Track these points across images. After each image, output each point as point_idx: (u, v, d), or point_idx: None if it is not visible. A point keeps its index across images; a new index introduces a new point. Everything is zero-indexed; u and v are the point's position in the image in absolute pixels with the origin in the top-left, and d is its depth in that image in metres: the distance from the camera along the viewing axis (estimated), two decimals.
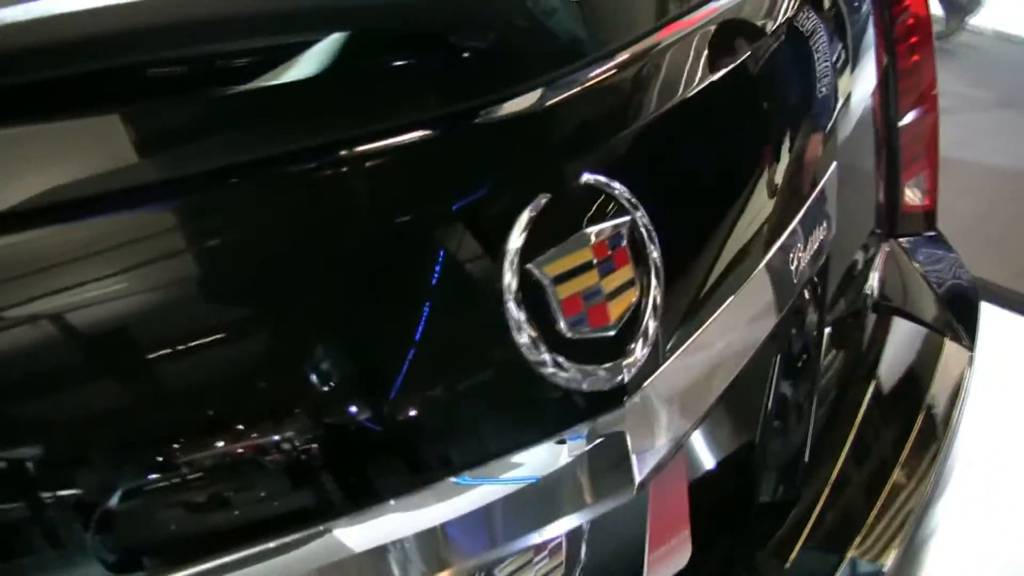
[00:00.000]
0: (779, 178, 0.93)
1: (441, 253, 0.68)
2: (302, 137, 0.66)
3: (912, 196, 1.43)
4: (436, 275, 0.68)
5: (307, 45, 0.69)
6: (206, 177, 0.63)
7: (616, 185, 0.74)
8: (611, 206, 0.74)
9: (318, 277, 0.66)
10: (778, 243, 0.92)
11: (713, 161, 0.86)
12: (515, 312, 0.69)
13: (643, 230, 0.75)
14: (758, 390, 1.04)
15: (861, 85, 1.27)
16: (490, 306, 0.68)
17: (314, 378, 0.65)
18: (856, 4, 1.21)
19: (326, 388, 0.65)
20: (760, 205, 0.90)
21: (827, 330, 1.20)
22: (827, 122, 1.05)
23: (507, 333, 0.69)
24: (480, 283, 0.69)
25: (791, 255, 0.95)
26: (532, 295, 0.69)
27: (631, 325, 0.75)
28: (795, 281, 0.96)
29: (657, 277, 0.76)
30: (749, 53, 0.89)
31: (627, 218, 0.74)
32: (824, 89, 1.04)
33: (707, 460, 1.04)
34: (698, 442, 1.01)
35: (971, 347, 1.35)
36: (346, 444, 0.66)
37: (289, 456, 0.63)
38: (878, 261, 1.37)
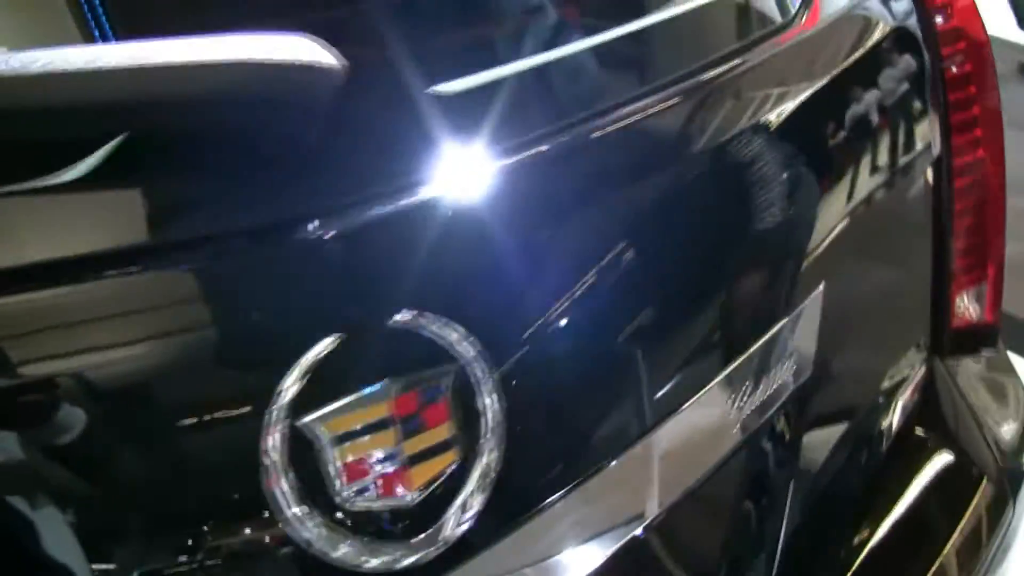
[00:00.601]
0: (712, 310, 0.78)
1: (193, 400, 0.57)
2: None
3: (966, 310, 1.22)
4: (184, 427, 0.57)
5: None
6: None
7: (439, 324, 0.61)
8: (429, 349, 0.61)
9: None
10: (693, 400, 0.75)
11: (592, 290, 0.70)
12: (277, 478, 0.57)
13: (478, 379, 0.62)
14: (690, 545, 0.88)
15: (899, 183, 1.09)
16: (249, 471, 0.57)
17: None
18: (887, 81, 1.03)
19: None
20: (673, 352, 0.75)
21: (822, 467, 1.02)
22: (806, 235, 0.88)
23: (267, 504, 0.57)
24: (238, 441, 0.57)
25: (725, 408, 0.78)
26: (303, 457, 0.58)
27: (448, 495, 0.62)
28: (734, 432, 0.80)
29: (493, 436, 0.63)
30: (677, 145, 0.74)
31: (449, 365, 0.61)
32: (801, 193, 0.87)
33: None
34: None
35: (1014, 495, 1.14)
36: None
37: None
38: (911, 385, 1.17)
